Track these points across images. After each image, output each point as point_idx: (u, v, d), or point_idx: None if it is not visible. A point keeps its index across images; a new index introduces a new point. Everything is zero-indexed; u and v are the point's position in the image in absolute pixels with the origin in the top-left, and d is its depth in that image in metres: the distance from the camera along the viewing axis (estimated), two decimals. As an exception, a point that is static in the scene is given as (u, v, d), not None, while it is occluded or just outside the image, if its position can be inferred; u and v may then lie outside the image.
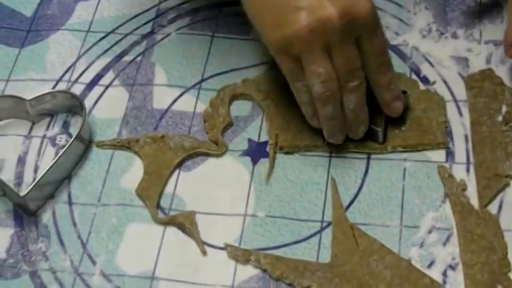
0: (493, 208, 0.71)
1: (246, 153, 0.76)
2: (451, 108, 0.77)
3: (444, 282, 0.68)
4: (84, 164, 0.77)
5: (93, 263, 0.71)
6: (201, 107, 0.80)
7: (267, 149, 0.76)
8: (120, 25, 0.87)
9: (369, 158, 0.75)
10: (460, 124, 0.76)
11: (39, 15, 0.89)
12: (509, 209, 0.71)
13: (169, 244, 0.72)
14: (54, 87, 0.83)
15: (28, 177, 0.77)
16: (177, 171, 0.76)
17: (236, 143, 0.77)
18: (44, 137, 0.80)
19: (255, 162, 0.76)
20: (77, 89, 0.82)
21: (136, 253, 0.72)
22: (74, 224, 0.74)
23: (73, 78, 0.83)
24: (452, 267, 0.68)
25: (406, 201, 0.72)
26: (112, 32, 0.87)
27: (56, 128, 0.80)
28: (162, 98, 0.81)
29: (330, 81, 0.69)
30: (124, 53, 0.85)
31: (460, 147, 0.74)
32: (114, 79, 0.83)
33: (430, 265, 0.69)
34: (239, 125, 0.78)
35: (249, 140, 0.77)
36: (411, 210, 0.71)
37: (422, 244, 0.70)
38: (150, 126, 0.79)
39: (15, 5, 0.90)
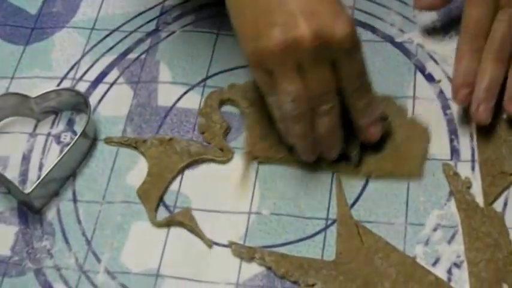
0: (498, 206, 0.71)
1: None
2: (456, 106, 0.76)
3: (449, 280, 0.67)
4: (89, 161, 0.77)
5: (98, 260, 0.71)
6: (206, 105, 0.80)
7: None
8: (125, 23, 0.87)
9: (373, 156, 0.75)
10: (465, 122, 0.75)
11: (44, 13, 0.89)
12: (514, 206, 0.71)
13: (174, 242, 0.72)
14: (58, 85, 0.83)
15: (33, 175, 0.77)
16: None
17: (240, 140, 0.77)
18: (48, 134, 0.80)
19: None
20: (82, 87, 0.82)
21: (141, 250, 0.72)
22: (79, 222, 0.74)
23: (78, 76, 0.83)
24: (457, 265, 0.68)
25: (411, 199, 0.72)
26: (117, 29, 0.87)
27: (60, 126, 0.80)
28: (166, 95, 0.81)
29: (300, 100, 0.67)
30: (129, 50, 0.85)
31: (465, 145, 0.74)
32: (118, 77, 0.83)
33: (435, 263, 0.68)
34: (243, 122, 0.78)
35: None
36: (416, 208, 0.71)
37: (427, 242, 0.69)
38: (154, 123, 0.79)
39: (20, 2, 0.90)
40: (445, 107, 0.77)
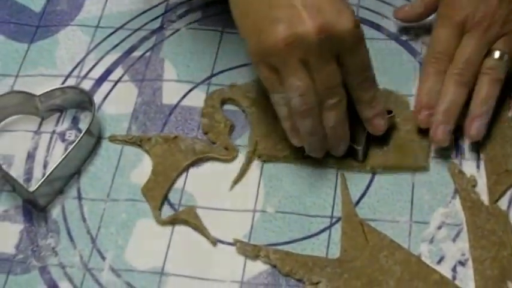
0: (503, 204, 0.71)
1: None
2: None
3: (454, 278, 0.67)
4: (94, 159, 0.77)
5: (103, 258, 0.71)
6: (210, 103, 0.80)
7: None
8: (129, 20, 0.87)
9: (378, 154, 0.75)
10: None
11: (49, 11, 0.89)
12: (519, 204, 0.71)
13: (178, 239, 0.72)
14: (63, 83, 0.83)
15: (37, 173, 0.77)
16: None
17: (245, 138, 0.77)
18: (53, 132, 0.80)
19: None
20: (86, 85, 0.82)
21: (145, 248, 0.72)
22: (84, 220, 0.74)
23: (82, 74, 0.83)
24: (462, 263, 0.68)
25: (416, 197, 0.72)
26: (121, 27, 0.87)
27: (65, 124, 0.80)
28: (171, 93, 0.81)
29: (308, 95, 0.68)
30: (133, 48, 0.85)
31: (470, 144, 0.74)
32: (123, 75, 0.83)
33: (439, 261, 0.68)
34: (247, 120, 0.78)
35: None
36: (421, 206, 0.71)
37: (432, 240, 0.69)
38: (159, 121, 0.79)
39: (25, 0, 0.90)
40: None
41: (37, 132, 0.80)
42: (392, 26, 0.83)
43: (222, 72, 0.82)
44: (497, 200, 0.71)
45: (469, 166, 0.73)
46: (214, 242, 0.71)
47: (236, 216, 0.73)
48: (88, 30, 0.87)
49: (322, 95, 0.68)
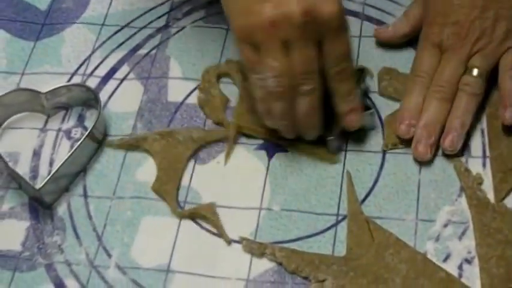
0: (509, 202, 0.70)
1: (261, 147, 0.76)
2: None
3: (460, 276, 0.67)
4: (99, 157, 0.77)
5: (109, 255, 0.72)
6: (216, 101, 0.80)
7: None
8: (135, 18, 0.87)
9: (384, 152, 0.75)
10: (476, 118, 0.75)
11: (54, 9, 0.89)
12: (525, 203, 0.71)
13: (184, 237, 0.72)
14: (69, 81, 0.83)
15: (43, 170, 0.77)
16: (192, 164, 0.76)
17: (251, 136, 0.77)
18: (59, 130, 0.80)
19: (270, 156, 0.76)
20: (92, 83, 0.82)
21: (151, 246, 0.72)
22: (89, 217, 0.74)
23: (88, 72, 0.84)
24: (468, 261, 0.68)
25: (422, 195, 0.72)
26: (127, 25, 0.87)
27: (71, 121, 0.80)
28: (176, 91, 0.81)
29: (283, 77, 0.68)
30: (139, 46, 0.85)
31: (476, 141, 0.74)
32: (129, 72, 0.83)
33: (445, 259, 0.68)
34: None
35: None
36: (427, 204, 0.71)
37: (438, 238, 0.69)
38: (165, 119, 0.79)
39: (30, -2, 0.91)
40: (456, 103, 0.77)
41: (43, 129, 0.80)
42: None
43: (227, 70, 0.82)
44: (503, 198, 0.71)
45: (475, 164, 0.73)
46: (229, 241, 0.71)
47: (242, 214, 0.73)
48: (94, 28, 0.87)
49: (297, 79, 0.69)
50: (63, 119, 0.80)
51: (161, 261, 0.71)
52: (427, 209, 0.71)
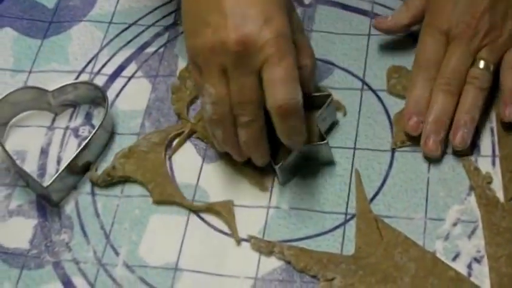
0: (518, 201, 0.70)
1: (269, 144, 0.76)
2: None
3: (469, 275, 0.67)
4: (107, 155, 0.77)
5: (116, 254, 0.71)
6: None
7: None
8: (143, 16, 0.87)
9: (393, 151, 0.74)
10: (485, 117, 0.75)
11: (61, 7, 0.89)
12: (534, 202, 0.70)
13: (192, 235, 0.72)
14: (76, 79, 0.83)
15: (51, 168, 0.77)
16: (200, 162, 0.76)
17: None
18: (66, 128, 0.80)
19: (278, 153, 0.76)
20: (100, 81, 0.82)
21: (159, 244, 0.72)
22: (97, 215, 0.74)
23: (95, 70, 0.83)
24: (478, 260, 0.68)
25: (431, 193, 0.71)
26: (134, 23, 0.86)
27: (78, 119, 0.80)
28: (184, 89, 0.81)
29: (219, 105, 0.67)
30: (146, 44, 0.85)
31: (485, 140, 0.74)
32: (136, 70, 0.83)
33: (455, 258, 0.68)
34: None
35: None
36: (436, 203, 0.71)
37: (447, 237, 0.69)
38: (173, 117, 0.79)
39: (37, -4, 0.91)
40: (465, 102, 0.76)
41: (50, 127, 0.80)
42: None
43: (235, 68, 0.82)
44: (512, 197, 0.71)
45: (484, 163, 0.72)
46: (239, 240, 0.71)
47: (250, 212, 0.72)
48: (101, 26, 0.87)
49: (235, 109, 0.67)
50: (71, 117, 0.80)
51: (169, 260, 0.70)
52: (436, 208, 0.71)
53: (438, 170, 0.72)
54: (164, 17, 0.86)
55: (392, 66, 0.79)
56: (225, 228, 0.72)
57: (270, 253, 0.70)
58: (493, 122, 0.74)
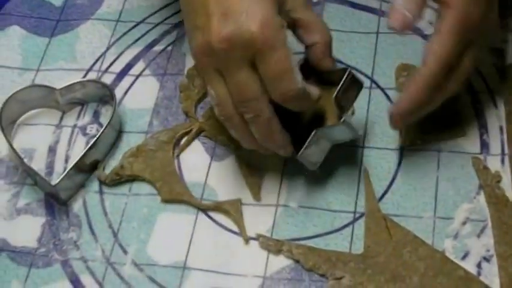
0: (528, 200, 0.70)
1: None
2: (485, 100, 0.76)
3: (479, 274, 0.67)
4: (115, 153, 0.77)
5: (125, 252, 0.71)
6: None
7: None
8: (151, 14, 0.87)
9: (402, 149, 0.74)
10: (494, 116, 0.75)
11: (69, 5, 0.89)
12: (544, 201, 0.70)
13: (200, 234, 0.72)
14: (84, 77, 0.83)
15: (59, 167, 0.77)
16: (208, 161, 0.76)
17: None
18: (74, 126, 0.80)
19: (287, 152, 0.75)
20: (107, 79, 0.82)
21: (167, 243, 0.72)
22: (105, 214, 0.74)
23: (103, 68, 0.83)
24: (487, 259, 0.68)
25: (440, 192, 0.71)
26: (142, 21, 0.86)
27: (86, 118, 0.80)
28: (193, 87, 0.81)
29: (223, 105, 0.66)
30: (154, 42, 0.84)
31: (495, 139, 0.73)
32: (144, 69, 0.83)
33: (464, 257, 0.68)
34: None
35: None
36: (445, 202, 0.71)
37: (457, 236, 0.69)
38: (180, 116, 0.79)
39: (45, -6, 0.91)
40: (475, 101, 0.76)
41: (58, 126, 0.80)
42: (415, 20, 0.82)
43: (243, 66, 0.81)
44: (522, 196, 0.70)
45: (493, 162, 0.72)
46: (247, 239, 0.70)
47: (258, 210, 0.72)
48: (109, 24, 0.87)
49: (238, 107, 0.65)
50: (79, 115, 0.80)
51: (177, 258, 0.70)
52: (445, 207, 0.70)
53: (447, 169, 0.72)
54: (172, 15, 0.86)
55: (401, 64, 0.79)
56: (234, 227, 0.72)
57: (278, 252, 0.70)
58: (502, 121, 0.74)
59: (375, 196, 0.72)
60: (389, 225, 0.70)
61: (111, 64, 0.83)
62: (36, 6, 0.90)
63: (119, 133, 0.78)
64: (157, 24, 0.86)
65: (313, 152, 0.69)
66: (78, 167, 0.74)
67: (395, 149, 0.74)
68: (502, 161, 0.72)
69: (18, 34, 0.87)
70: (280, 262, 0.69)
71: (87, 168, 0.76)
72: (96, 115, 0.80)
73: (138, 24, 0.86)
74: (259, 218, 0.72)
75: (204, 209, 0.73)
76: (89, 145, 0.75)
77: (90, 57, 0.84)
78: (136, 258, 0.71)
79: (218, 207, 0.72)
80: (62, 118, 0.80)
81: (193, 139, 0.77)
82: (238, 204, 0.72)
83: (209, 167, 0.75)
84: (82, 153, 0.74)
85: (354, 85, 0.70)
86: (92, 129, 0.79)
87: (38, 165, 0.77)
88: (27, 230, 0.73)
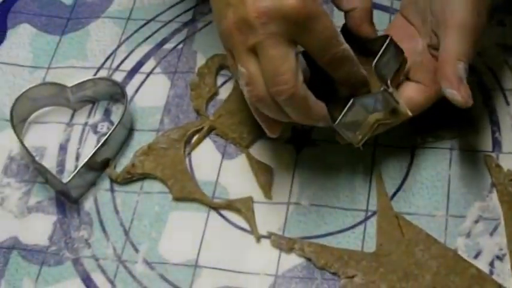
0: (540, 198, 0.70)
1: (289, 140, 0.76)
2: (497, 98, 0.76)
3: (491, 273, 0.67)
4: (126, 151, 0.77)
5: (136, 250, 0.71)
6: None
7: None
8: (161, 12, 0.87)
9: (413, 147, 0.74)
10: (506, 113, 0.75)
11: (80, 3, 0.89)
12: (557, 199, 0.70)
13: (212, 232, 0.71)
14: (95, 75, 0.83)
15: (70, 165, 0.77)
16: (219, 159, 0.75)
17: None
18: (85, 124, 0.79)
19: (298, 150, 0.75)
20: (118, 77, 0.82)
21: (179, 241, 0.71)
22: (117, 212, 0.74)
23: (114, 66, 0.83)
24: (500, 258, 0.67)
25: (452, 190, 0.71)
26: (153, 19, 0.86)
27: (97, 116, 0.80)
28: (203, 86, 0.81)
29: (254, 84, 0.64)
30: (165, 40, 0.84)
31: (507, 137, 0.73)
32: (155, 67, 0.82)
33: (476, 255, 0.68)
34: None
35: (293, 128, 0.76)
36: (457, 200, 0.70)
37: (469, 234, 0.69)
38: (192, 114, 0.78)
39: (55, -7, 0.90)
40: (487, 99, 0.76)
41: (69, 124, 0.80)
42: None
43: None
44: (535, 194, 0.70)
45: (506, 160, 0.72)
46: (259, 237, 0.70)
47: (270, 208, 0.72)
48: (119, 22, 0.87)
49: (269, 86, 0.63)
50: (90, 113, 0.80)
51: (189, 257, 0.70)
52: (458, 205, 0.70)
53: (459, 167, 0.72)
54: (183, 13, 0.86)
55: None
56: (245, 225, 0.71)
57: (290, 250, 0.70)
58: (515, 119, 0.74)
59: (387, 194, 0.71)
60: (401, 223, 0.70)
61: (121, 62, 0.83)
62: (47, 5, 0.89)
63: (130, 131, 0.78)
64: (167, 22, 0.86)
65: (351, 122, 0.66)
66: (89, 165, 0.74)
67: (407, 147, 0.74)
68: (515, 159, 0.72)
69: (29, 32, 0.87)
70: (292, 260, 0.69)
71: (98, 166, 0.76)
72: (107, 113, 0.80)
73: (148, 22, 0.86)
74: (270, 216, 0.71)
75: (216, 207, 0.73)
76: (100, 143, 0.75)
77: (100, 55, 0.84)
78: (147, 256, 0.71)
79: (229, 205, 0.72)
80: (73, 116, 0.80)
81: (204, 137, 0.77)
82: (250, 203, 0.72)
83: (220, 165, 0.75)
84: (93, 151, 0.74)
85: (395, 53, 0.68)
86: (103, 127, 0.79)
87: (49, 163, 0.77)
88: (38, 228, 0.73)
